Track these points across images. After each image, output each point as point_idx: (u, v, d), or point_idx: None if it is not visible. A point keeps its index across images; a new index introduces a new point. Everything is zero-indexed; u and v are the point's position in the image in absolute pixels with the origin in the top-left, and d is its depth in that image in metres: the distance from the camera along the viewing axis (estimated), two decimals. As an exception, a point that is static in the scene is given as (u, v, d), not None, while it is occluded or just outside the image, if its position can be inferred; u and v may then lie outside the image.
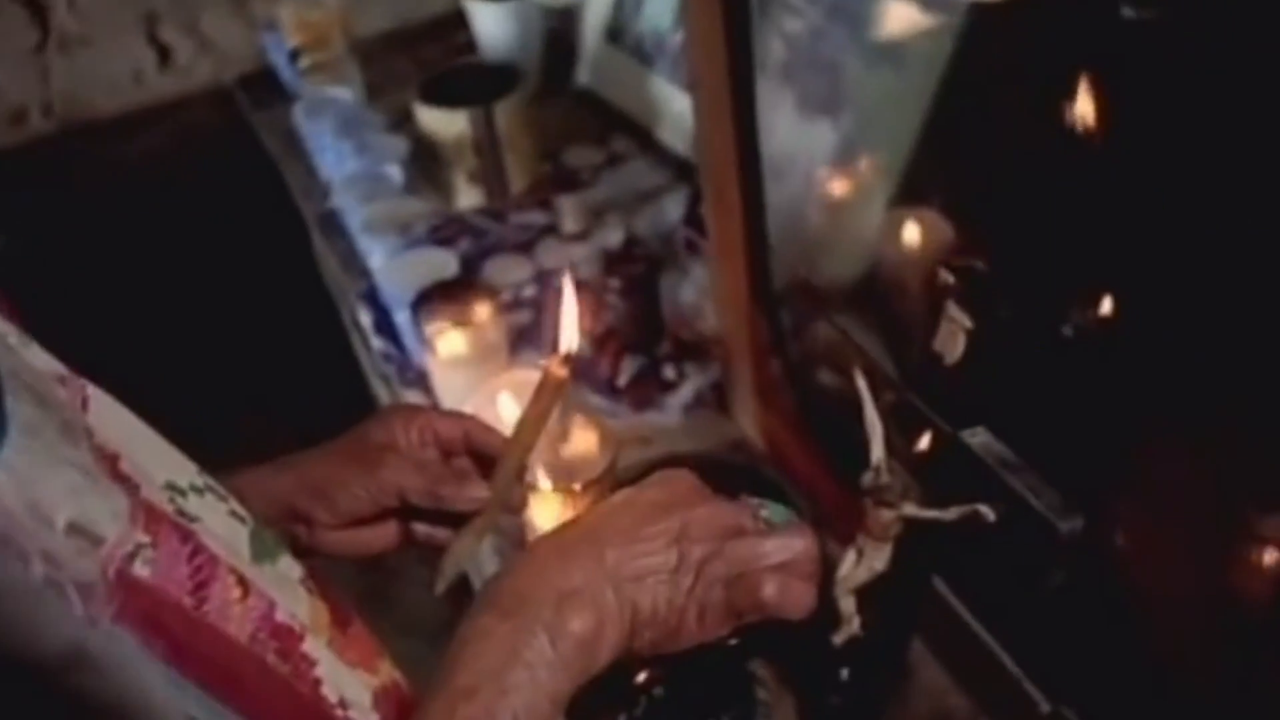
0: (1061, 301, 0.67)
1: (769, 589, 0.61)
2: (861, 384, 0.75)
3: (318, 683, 0.57)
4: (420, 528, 0.75)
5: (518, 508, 0.77)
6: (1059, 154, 0.65)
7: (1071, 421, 0.71)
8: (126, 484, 0.50)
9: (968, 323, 0.65)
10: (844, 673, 0.87)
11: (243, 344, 2.18)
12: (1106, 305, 0.67)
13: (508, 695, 0.55)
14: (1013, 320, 0.64)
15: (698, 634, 0.62)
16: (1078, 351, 0.66)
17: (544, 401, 0.70)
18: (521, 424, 0.72)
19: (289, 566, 0.62)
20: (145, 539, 0.48)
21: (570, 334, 0.71)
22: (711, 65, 0.92)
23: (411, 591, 2.12)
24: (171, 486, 0.55)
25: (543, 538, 0.63)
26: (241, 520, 0.59)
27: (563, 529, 0.64)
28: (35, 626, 0.43)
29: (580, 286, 0.72)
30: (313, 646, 0.57)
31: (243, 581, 0.54)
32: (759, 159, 0.97)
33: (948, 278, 0.67)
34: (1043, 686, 0.84)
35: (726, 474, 0.85)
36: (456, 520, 0.73)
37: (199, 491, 0.57)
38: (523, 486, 0.77)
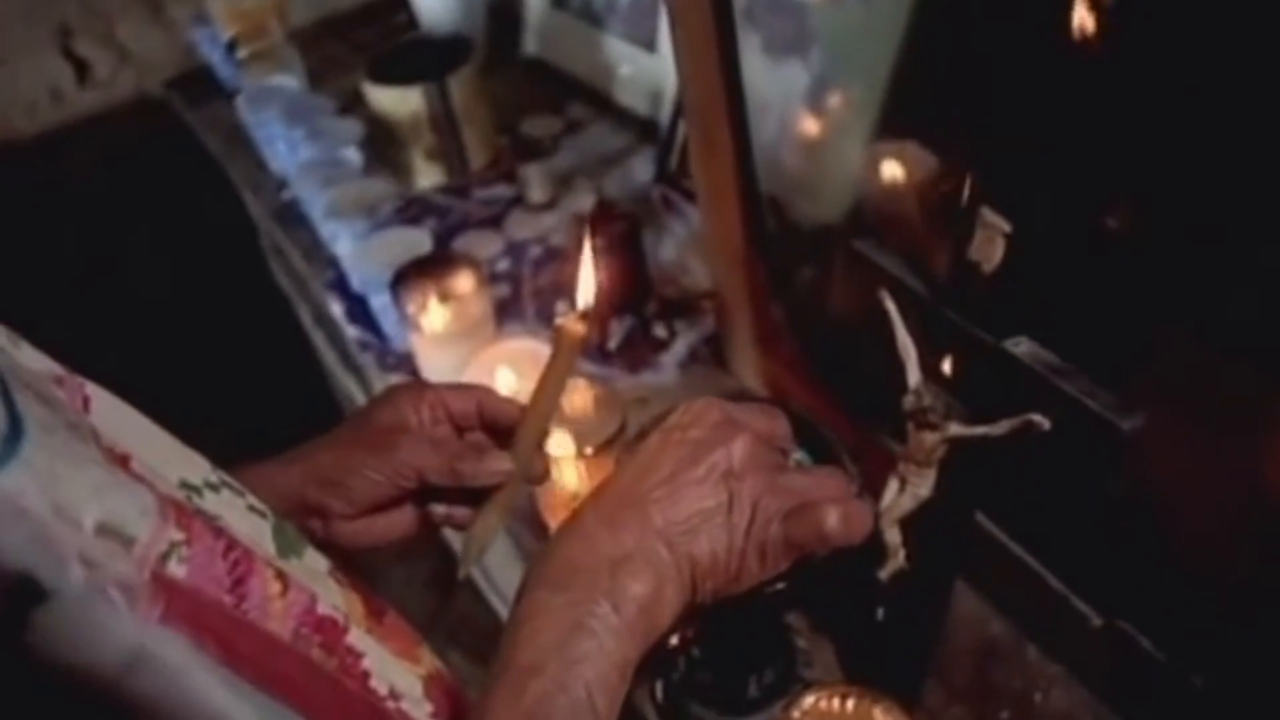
0: (1099, 196, 0.65)
1: (832, 519, 0.57)
2: (890, 306, 0.73)
3: (366, 675, 0.54)
4: (438, 509, 0.71)
5: (540, 478, 0.73)
6: (1055, 55, 0.63)
7: (1116, 320, 0.69)
8: (143, 484, 0.46)
9: (1006, 226, 0.63)
10: (880, 611, 0.85)
11: (194, 355, 2.12)
12: (1143, 199, 0.65)
13: (578, 665, 0.51)
14: (1053, 218, 0.61)
15: (759, 574, 0.59)
16: (1120, 246, 0.63)
17: (562, 362, 0.66)
18: (539, 388, 0.68)
19: (315, 559, 0.59)
20: (179, 536, 0.45)
21: (588, 288, 0.67)
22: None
23: (395, 591, 2.09)
24: (186, 485, 0.51)
25: (583, 507, 0.59)
26: (262, 515, 0.56)
27: (601, 494, 0.59)
28: (87, 633, 0.40)
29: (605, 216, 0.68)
30: (357, 638, 0.54)
31: (281, 575, 0.51)
32: (744, 97, 0.94)
33: (978, 183, 0.64)
34: (1092, 601, 0.82)
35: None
36: (475, 497, 0.69)
37: (214, 488, 0.54)
38: (544, 455, 0.73)
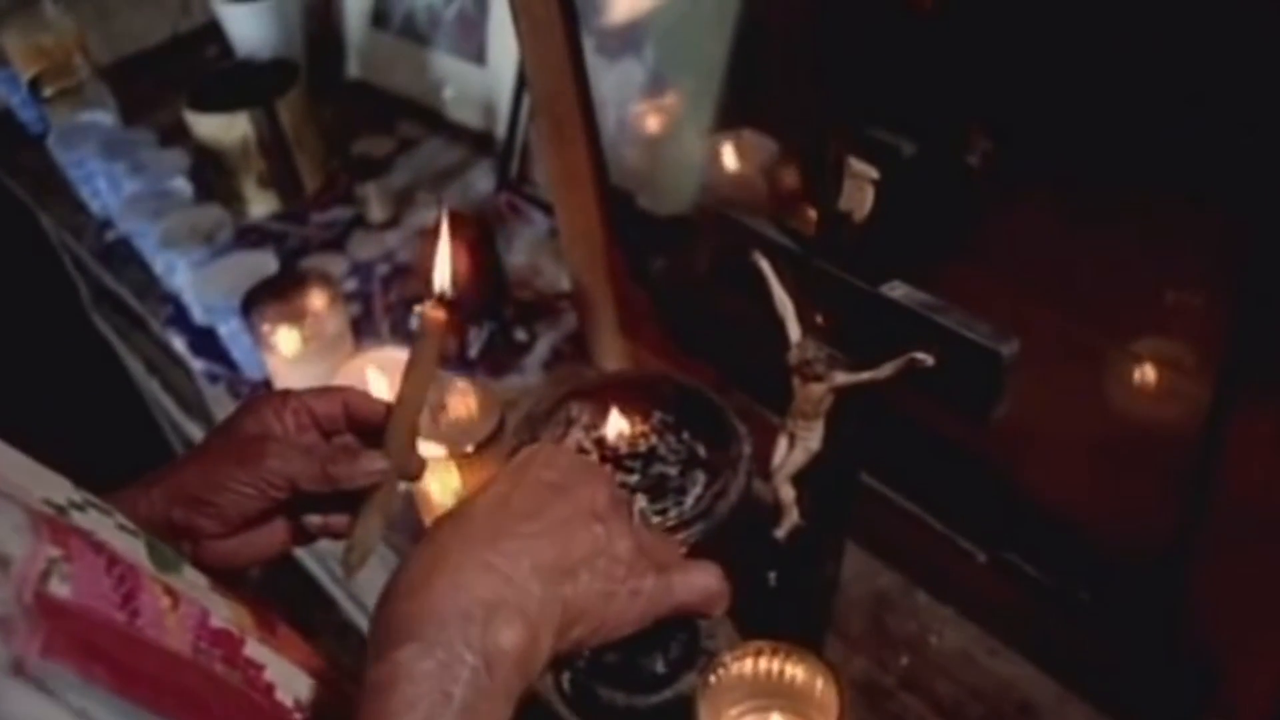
0: (957, 135, 0.68)
1: (716, 581, 0.57)
2: (764, 264, 0.74)
3: (270, 688, 0.51)
4: (313, 519, 0.66)
5: (416, 474, 0.70)
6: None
7: (983, 252, 0.72)
8: (9, 500, 0.42)
9: (873, 173, 0.65)
10: (773, 576, 0.86)
11: (13, 427, 1.98)
12: (998, 134, 0.68)
13: None
14: (917, 158, 0.64)
15: (629, 621, 0.55)
16: (983, 180, 0.67)
17: (425, 351, 0.63)
18: (405, 381, 0.64)
19: (195, 576, 0.54)
20: (56, 552, 0.41)
21: (444, 272, 0.65)
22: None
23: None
24: (51, 504, 0.46)
25: (442, 538, 0.53)
26: (133, 534, 0.51)
27: (464, 525, 0.53)
28: None
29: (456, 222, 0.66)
30: (255, 650, 0.51)
31: (169, 590, 0.47)
32: (589, 84, 0.95)
33: (842, 137, 0.66)
34: (975, 539, 0.86)
35: (667, 396, 0.80)
36: (350, 503, 0.66)
37: (80, 508, 0.48)
38: (418, 450, 0.70)
